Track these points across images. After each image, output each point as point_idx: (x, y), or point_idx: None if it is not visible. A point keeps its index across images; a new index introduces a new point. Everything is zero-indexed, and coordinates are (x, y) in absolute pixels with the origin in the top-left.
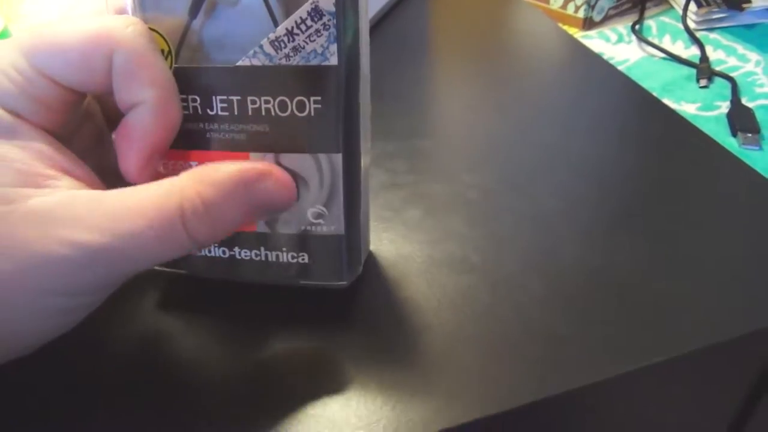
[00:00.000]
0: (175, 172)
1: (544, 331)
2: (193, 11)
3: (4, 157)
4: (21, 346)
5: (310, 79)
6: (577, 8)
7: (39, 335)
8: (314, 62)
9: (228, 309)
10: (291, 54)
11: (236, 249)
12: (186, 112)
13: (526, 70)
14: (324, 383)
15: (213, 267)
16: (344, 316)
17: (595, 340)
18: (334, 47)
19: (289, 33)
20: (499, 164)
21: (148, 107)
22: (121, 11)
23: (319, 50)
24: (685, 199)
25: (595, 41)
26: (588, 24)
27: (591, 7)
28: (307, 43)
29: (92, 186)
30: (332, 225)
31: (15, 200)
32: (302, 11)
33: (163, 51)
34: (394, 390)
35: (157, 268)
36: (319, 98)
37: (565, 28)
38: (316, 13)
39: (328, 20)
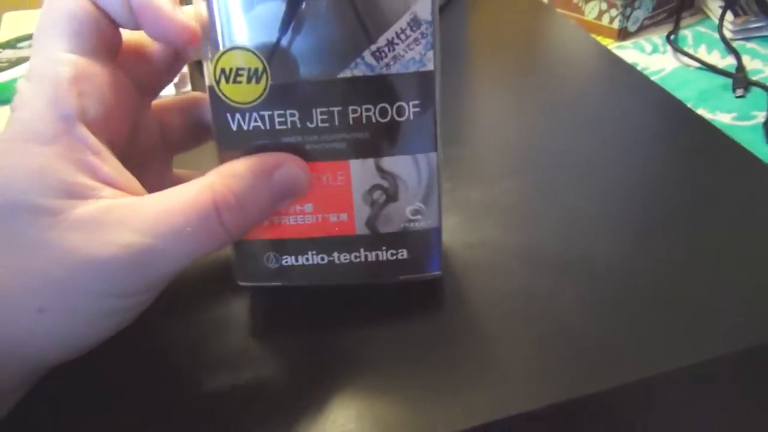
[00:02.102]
0: None
1: (579, 333)
2: (284, 28)
3: (51, 169)
4: (81, 346)
5: (410, 85)
6: (612, 19)
7: (96, 335)
8: (413, 69)
9: (323, 318)
10: (391, 63)
11: (335, 254)
12: (283, 127)
13: (560, 80)
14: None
15: (310, 275)
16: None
17: (627, 341)
18: (431, 54)
19: (390, 43)
20: (533, 172)
21: None
22: (206, 27)
23: (418, 57)
24: (716, 207)
25: (629, 51)
26: (623, 34)
27: (626, 17)
28: (407, 52)
29: (133, 194)
30: (429, 219)
31: (62, 211)
32: (402, 22)
33: (257, 69)
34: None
35: (243, 284)
36: (418, 102)
37: (600, 38)
38: (415, 23)
39: (426, 29)
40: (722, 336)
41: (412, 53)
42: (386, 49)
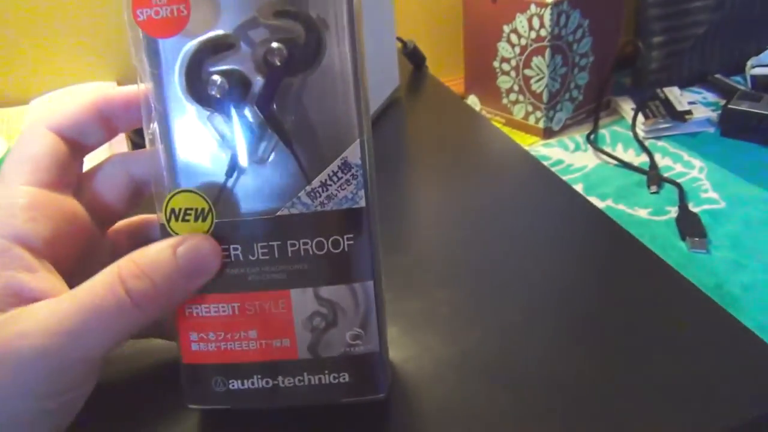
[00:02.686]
0: (217, 313)
1: None
2: (230, 172)
3: None
4: None
5: (344, 220)
6: (537, 119)
7: None
8: (346, 206)
9: None
10: (325, 201)
11: (279, 378)
12: (227, 260)
13: (488, 186)
14: None
15: (256, 398)
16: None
17: None
18: (362, 192)
19: (323, 184)
20: (464, 280)
21: None
22: (159, 171)
23: (350, 196)
24: (627, 309)
25: (555, 149)
26: (548, 133)
27: (550, 118)
28: (339, 191)
29: None
30: (369, 344)
31: None
32: (334, 166)
33: (204, 209)
34: None
35: (193, 407)
36: (352, 236)
37: (528, 136)
38: (346, 166)
39: (356, 171)
40: None
41: (344, 192)
42: (320, 190)
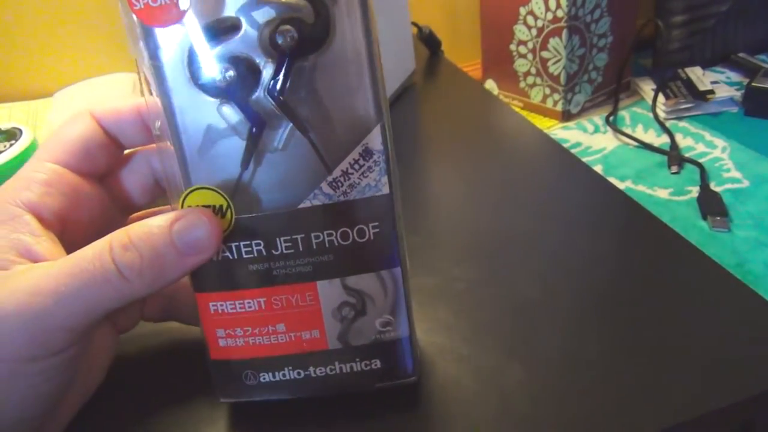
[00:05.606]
0: (243, 309)
1: (523, 416)
2: (245, 164)
3: None
4: (17, 421)
5: (368, 209)
6: (555, 102)
7: (25, 407)
8: (369, 194)
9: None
10: (348, 191)
11: (311, 368)
12: (250, 256)
13: (505, 167)
14: None
15: (288, 389)
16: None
17: (569, 424)
18: (385, 179)
19: (345, 173)
20: (480, 258)
21: None
22: (173, 175)
23: (373, 183)
24: (647, 287)
25: (573, 132)
26: (566, 116)
27: (568, 101)
28: (362, 179)
29: None
30: (398, 329)
31: None
32: (355, 153)
33: (222, 206)
34: None
35: (223, 400)
36: (377, 223)
37: (546, 120)
38: (367, 153)
39: (378, 157)
40: (656, 414)
41: (367, 180)
42: (342, 179)
